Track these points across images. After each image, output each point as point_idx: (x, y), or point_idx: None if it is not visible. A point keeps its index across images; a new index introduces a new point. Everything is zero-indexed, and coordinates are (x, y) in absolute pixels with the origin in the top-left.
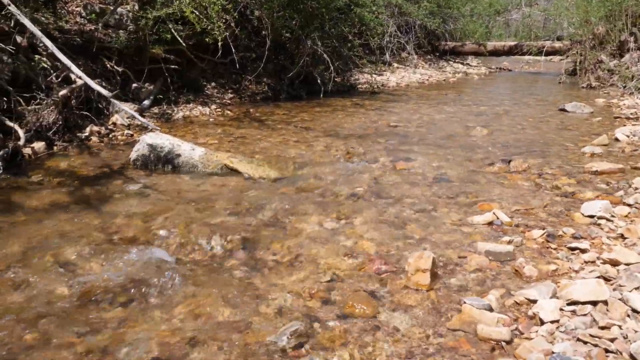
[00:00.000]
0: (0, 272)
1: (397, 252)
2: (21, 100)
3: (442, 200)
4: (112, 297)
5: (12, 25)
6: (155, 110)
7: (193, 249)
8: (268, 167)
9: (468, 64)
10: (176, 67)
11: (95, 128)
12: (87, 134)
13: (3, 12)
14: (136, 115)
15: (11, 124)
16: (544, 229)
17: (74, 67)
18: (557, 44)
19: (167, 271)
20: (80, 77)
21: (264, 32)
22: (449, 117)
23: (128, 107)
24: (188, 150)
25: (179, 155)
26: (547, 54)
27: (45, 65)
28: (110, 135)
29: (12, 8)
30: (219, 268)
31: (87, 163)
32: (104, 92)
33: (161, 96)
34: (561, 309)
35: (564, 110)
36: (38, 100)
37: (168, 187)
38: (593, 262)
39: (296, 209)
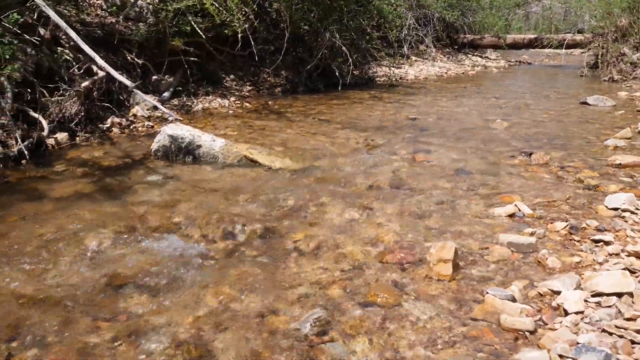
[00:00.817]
0: (28, 258)
1: (418, 242)
2: (45, 92)
3: (463, 192)
4: (136, 284)
5: (35, 17)
6: (175, 102)
7: (215, 238)
8: (287, 158)
9: (487, 57)
10: (195, 59)
11: (116, 119)
12: (108, 125)
13: (28, 4)
14: (158, 105)
15: (35, 115)
16: (566, 221)
17: (97, 58)
18: (578, 37)
19: (190, 259)
20: (103, 68)
21: (282, 25)
22: (468, 110)
23: (150, 98)
24: (208, 142)
25: (199, 146)
26: (568, 47)
27: (68, 58)
28: (131, 127)
29: (38, 0)
30: (241, 256)
31: (109, 154)
32: (127, 82)
33: (180, 88)
34: (585, 301)
35: (585, 103)
36: (61, 92)
37: (189, 178)
38: (617, 254)
39: (316, 199)
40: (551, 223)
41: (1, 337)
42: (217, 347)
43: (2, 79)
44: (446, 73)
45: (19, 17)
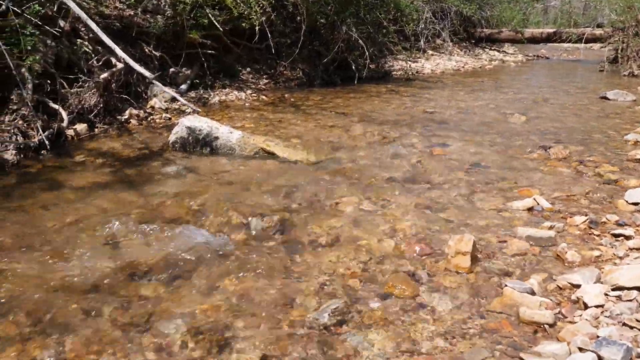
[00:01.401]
0: (49, 246)
1: (436, 235)
2: (64, 83)
3: (480, 186)
4: (154, 272)
5: (55, 9)
6: (192, 94)
7: (232, 228)
8: (304, 150)
9: (504, 51)
10: (212, 52)
11: (134, 111)
12: (126, 117)
13: None
14: (177, 96)
15: (55, 106)
16: (586, 216)
17: (117, 49)
18: (598, 31)
19: (207, 249)
20: (123, 59)
21: (299, 18)
22: (485, 104)
23: (169, 90)
24: (226, 134)
25: (217, 138)
26: (587, 41)
27: (87, 50)
28: (149, 119)
29: None
30: (258, 247)
31: (127, 145)
32: (146, 73)
33: (197, 81)
34: (606, 294)
35: (605, 98)
36: (80, 83)
37: (206, 169)
38: (638, 248)
39: (333, 192)
40: (570, 217)
41: (23, 322)
42: (235, 335)
43: (23, 70)
44: (463, 67)
45: (40, 8)
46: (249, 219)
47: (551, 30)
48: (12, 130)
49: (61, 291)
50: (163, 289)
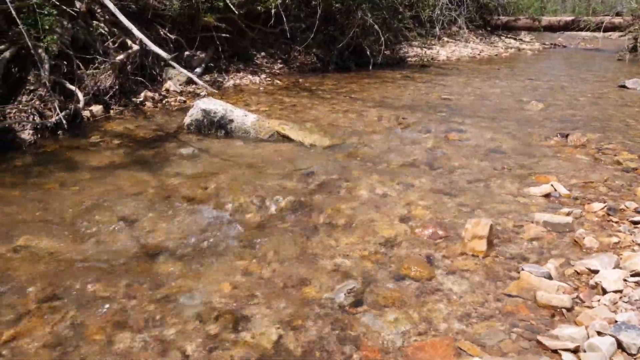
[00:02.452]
0: (67, 224)
1: (452, 219)
2: (80, 65)
3: (497, 172)
4: (170, 251)
5: None
6: (207, 78)
7: (247, 209)
8: (319, 134)
9: (521, 39)
10: (227, 35)
11: (150, 94)
12: (141, 99)
13: None
14: (194, 77)
15: (72, 87)
16: (604, 203)
17: (135, 30)
18: (617, 20)
19: (223, 229)
20: (140, 39)
21: (314, 2)
22: (502, 91)
23: (185, 71)
24: (241, 116)
25: (231, 121)
26: (606, 29)
27: (103, 32)
28: (164, 101)
29: None
30: (274, 228)
31: (142, 127)
32: (163, 54)
33: (212, 64)
34: (624, 280)
35: (624, 86)
36: (96, 65)
37: (221, 151)
38: None
39: (348, 175)
40: (588, 204)
41: (41, 297)
42: (251, 313)
43: (40, 50)
44: (479, 54)
45: None
46: (265, 200)
47: (569, 19)
48: (30, 111)
49: (79, 268)
50: (179, 268)
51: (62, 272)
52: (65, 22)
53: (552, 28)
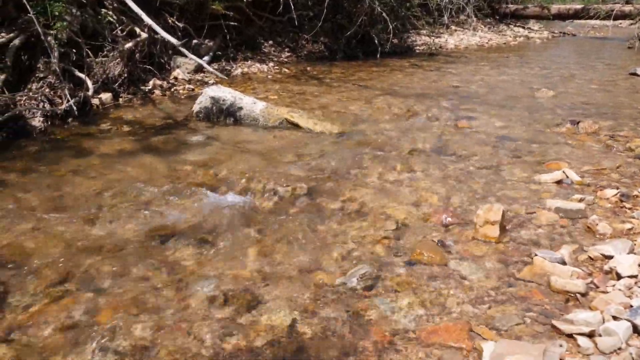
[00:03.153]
0: (80, 209)
1: (463, 205)
2: (89, 52)
3: (508, 159)
4: (182, 236)
5: None
6: (215, 66)
7: (258, 195)
8: (328, 122)
9: (529, 28)
10: (235, 24)
11: (158, 82)
12: (150, 87)
13: None
14: (204, 63)
15: (81, 75)
16: (617, 189)
17: (144, 16)
18: (627, 8)
19: (235, 215)
20: (149, 26)
21: None
22: (511, 79)
23: (196, 58)
24: (250, 104)
25: (240, 109)
26: (616, 18)
27: (111, 19)
28: (172, 89)
29: None
30: (285, 214)
31: (151, 114)
32: (173, 40)
33: (220, 53)
34: (639, 265)
35: (635, 74)
36: (105, 53)
37: (231, 139)
38: None
39: (358, 162)
40: (601, 190)
41: (55, 280)
42: (264, 297)
43: (50, 38)
44: (487, 43)
45: None
46: (275, 186)
47: (578, 7)
48: (40, 98)
49: (91, 252)
50: (191, 252)
51: (76, 255)
52: (74, 10)
53: (561, 16)
